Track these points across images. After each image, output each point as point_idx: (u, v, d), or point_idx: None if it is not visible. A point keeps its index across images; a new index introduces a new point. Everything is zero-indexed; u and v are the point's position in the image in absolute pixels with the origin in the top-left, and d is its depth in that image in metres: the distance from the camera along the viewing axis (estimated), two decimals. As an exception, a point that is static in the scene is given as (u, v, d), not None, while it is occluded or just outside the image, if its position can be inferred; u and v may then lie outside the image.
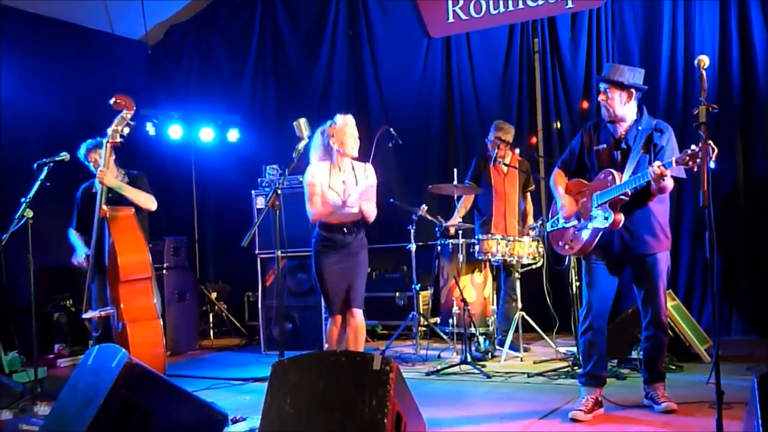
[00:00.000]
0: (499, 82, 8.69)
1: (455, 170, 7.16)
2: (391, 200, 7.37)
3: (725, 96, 7.33)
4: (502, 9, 8.56)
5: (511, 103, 8.57)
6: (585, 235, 4.66)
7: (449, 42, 9.02)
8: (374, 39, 9.47)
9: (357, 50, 9.59)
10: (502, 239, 6.65)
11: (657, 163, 4.32)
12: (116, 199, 5.79)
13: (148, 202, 5.96)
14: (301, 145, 4.83)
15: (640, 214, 4.59)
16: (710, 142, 3.87)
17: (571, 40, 8.26)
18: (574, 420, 4.52)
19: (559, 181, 4.94)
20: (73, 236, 6.11)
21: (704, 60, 3.82)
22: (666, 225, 4.69)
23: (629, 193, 4.47)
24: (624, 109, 4.63)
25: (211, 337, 9.09)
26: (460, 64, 8.95)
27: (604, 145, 4.73)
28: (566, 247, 4.84)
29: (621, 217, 4.53)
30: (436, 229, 7.30)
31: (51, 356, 7.67)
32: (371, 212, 5.41)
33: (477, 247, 6.71)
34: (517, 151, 7.17)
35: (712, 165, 4.00)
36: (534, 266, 6.91)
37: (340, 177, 5.39)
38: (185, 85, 10.61)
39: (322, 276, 5.37)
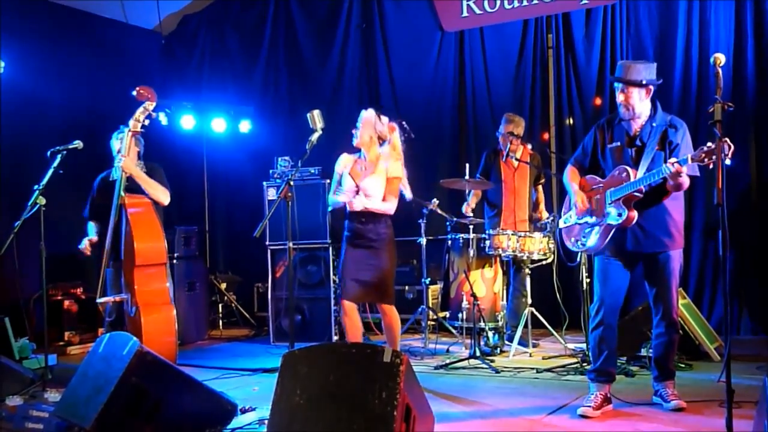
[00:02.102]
0: (512, 78, 8.67)
1: (467, 165, 7.14)
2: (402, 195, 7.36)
3: (739, 94, 7.30)
4: (516, 4, 8.53)
5: (524, 99, 8.54)
6: (598, 231, 4.66)
7: (463, 36, 9.00)
8: (387, 32, 9.45)
9: (370, 43, 9.58)
10: (512, 234, 6.64)
11: (672, 159, 4.31)
12: (134, 188, 5.84)
13: (162, 195, 5.99)
14: (314, 137, 4.85)
15: (654, 212, 4.58)
16: (726, 139, 3.86)
17: (586, 36, 8.23)
18: (582, 416, 4.52)
19: (572, 178, 4.94)
20: (90, 226, 6.20)
21: (720, 58, 3.80)
22: (680, 223, 4.67)
23: (643, 190, 4.46)
24: (641, 106, 4.63)
25: (220, 327, 9.12)
26: (473, 58, 8.93)
27: (618, 143, 4.72)
28: (579, 243, 4.84)
29: (635, 214, 4.52)
30: (447, 223, 7.30)
31: (61, 343, 7.72)
32: (368, 205, 5.51)
33: (488, 242, 6.70)
34: (529, 146, 7.16)
35: (728, 162, 3.99)
36: (544, 262, 6.90)
37: (359, 166, 5.64)
38: (198, 76, 10.62)
39: (341, 261, 5.55)
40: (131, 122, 5.74)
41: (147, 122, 5.81)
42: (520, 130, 7.03)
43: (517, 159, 6.97)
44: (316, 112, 4.89)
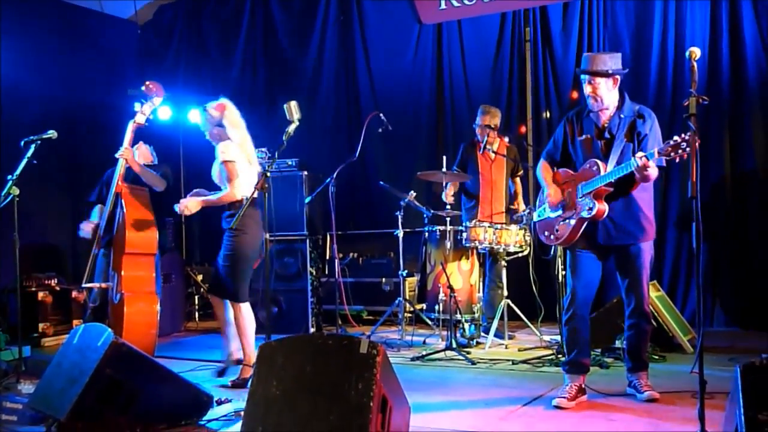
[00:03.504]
0: (489, 71, 8.69)
1: (444, 157, 7.15)
2: (381, 183, 7.38)
3: (714, 88, 7.37)
4: (494, -3, 8.56)
5: (501, 92, 8.57)
6: (570, 225, 4.68)
7: (441, 29, 9.01)
8: (365, 24, 9.44)
9: (348, 35, 9.56)
10: (489, 227, 6.67)
11: (640, 153, 4.33)
12: (134, 177, 6.10)
13: (158, 182, 6.35)
14: (291, 128, 4.82)
15: (623, 204, 4.61)
16: (691, 132, 3.91)
17: (563, 30, 8.27)
18: (557, 407, 4.55)
19: (545, 172, 4.97)
20: (96, 210, 6.39)
21: (695, 52, 3.82)
22: (650, 214, 4.70)
23: (613, 183, 4.49)
24: (610, 97, 4.64)
25: (197, 319, 9.09)
26: (451, 51, 8.94)
27: (587, 135, 4.73)
28: (552, 237, 4.86)
29: (605, 207, 4.55)
30: (424, 215, 7.31)
31: (36, 335, 7.65)
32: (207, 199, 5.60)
33: (464, 235, 6.72)
34: (506, 138, 7.18)
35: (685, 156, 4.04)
36: (521, 254, 6.94)
37: None
38: (174, 66, 10.54)
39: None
40: (138, 115, 5.95)
41: (152, 117, 6.07)
42: (497, 121, 7.06)
43: (493, 151, 6.99)
44: (293, 104, 4.86)
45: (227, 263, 5.39)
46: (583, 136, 4.75)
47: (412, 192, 7.23)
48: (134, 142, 6.21)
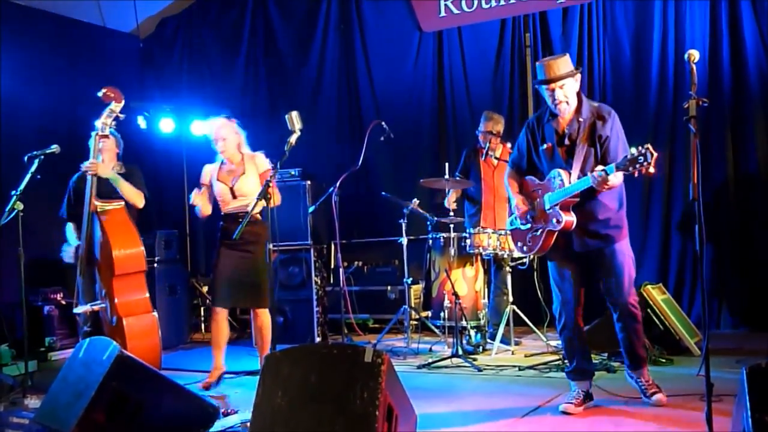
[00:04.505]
0: (490, 77, 8.69)
1: (447, 164, 7.15)
2: (383, 193, 7.38)
3: (716, 90, 7.36)
4: (493, 3, 8.56)
5: (503, 98, 8.57)
6: (541, 236, 4.62)
7: (441, 36, 9.02)
8: (366, 33, 9.46)
9: (348, 44, 9.58)
10: (493, 233, 6.66)
11: (599, 167, 4.29)
12: (107, 192, 5.76)
13: (136, 198, 5.91)
14: (293, 138, 4.83)
15: (591, 210, 4.52)
16: (649, 146, 3.95)
17: (563, 35, 8.27)
18: (565, 413, 4.54)
19: (511, 181, 4.89)
20: (69, 230, 6.12)
21: (694, 54, 3.81)
22: (619, 213, 4.60)
23: (578, 194, 4.42)
24: (573, 99, 4.54)
25: (202, 330, 9.08)
26: (452, 58, 8.95)
27: (549, 143, 4.64)
28: (524, 248, 4.81)
29: (572, 218, 4.48)
30: (428, 223, 7.31)
31: (41, 349, 7.65)
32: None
33: (468, 241, 6.72)
34: (509, 144, 7.18)
35: (651, 170, 4.01)
36: (525, 260, 6.92)
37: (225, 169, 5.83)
38: (177, 79, 10.57)
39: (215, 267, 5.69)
40: (98, 124, 5.63)
41: (114, 124, 5.72)
42: (500, 127, 7.05)
43: (496, 158, 6.99)
44: (294, 114, 4.87)
45: (261, 272, 5.56)
46: (545, 145, 4.65)
47: (415, 199, 7.24)
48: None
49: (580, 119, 4.53)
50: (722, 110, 7.37)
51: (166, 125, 9.45)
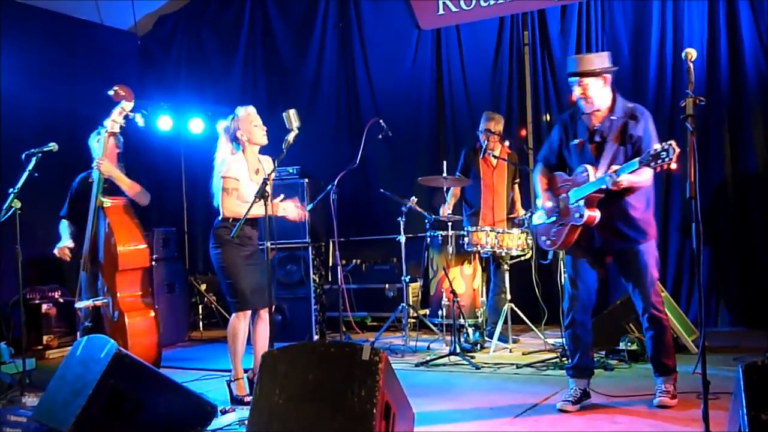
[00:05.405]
0: (488, 75, 8.70)
1: (445, 162, 7.15)
2: (382, 190, 7.38)
3: (713, 89, 7.37)
4: (492, 1, 8.57)
5: (501, 96, 8.58)
6: (564, 231, 4.64)
7: (439, 34, 9.03)
8: (364, 31, 9.46)
9: (347, 42, 9.58)
10: (491, 231, 6.67)
11: (614, 167, 4.32)
12: (112, 189, 5.77)
13: (141, 196, 5.93)
14: (290, 137, 4.82)
15: (617, 208, 4.53)
16: (672, 142, 3.94)
17: (561, 32, 8.27)
18: (562, 411, 4.54)
19: (540, 176, 4.91)
20: (63, 226, 6.12)
21: (691, 53, 3.81)
22: (648, 215, 4.61)
23: (603, 191, 4.42)
24: (601, 97, 4.57)
25: (201, 328, 9.08)
26: (450, 56, 8.95)
27: (580, 139, 4.67)
28: (548, 242, 4.83)
29: (596, 214, 4.49)
30: (426, 220, 7.31)
31: (39, 347, 7.66)
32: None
33: (466, 239, 6.72)
34: (507, 143, 7.19)
35: (674, 166, 4.02)
36: (523, 258, 6.93)
37: (253, 169, 5.34)
38: (175, 76, 10.57)
39: (238, 270, 5.17)
40: (108, 122, 5.65)
41: (124, 122, 5.73)
42: (500, 127, 7.06)
43: (495, 157, 7.00)
44: (292, 112, 4.87)
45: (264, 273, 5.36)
46: (576, 140, 4.69)
47: (413, 197, 7.24)
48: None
49: (612, 117, 4.56)
50: (720, 110, 7.38)
51: (164, 123, 9.44)
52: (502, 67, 8.62)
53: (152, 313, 5.72)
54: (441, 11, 8.89)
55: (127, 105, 5.67)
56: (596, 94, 4.55)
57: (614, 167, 4.34)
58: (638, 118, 4.54)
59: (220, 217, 5.23)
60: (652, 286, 4.61)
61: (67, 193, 6.19)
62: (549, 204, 4.75)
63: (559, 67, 8.28)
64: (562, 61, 8.25)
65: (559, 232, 4.69)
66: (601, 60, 4.59)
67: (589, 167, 4.50)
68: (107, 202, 5.66)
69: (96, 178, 5.68)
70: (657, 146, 4.07)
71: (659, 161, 4.05)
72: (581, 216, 4.49)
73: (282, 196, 5.32)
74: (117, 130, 5.72)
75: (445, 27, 8.97)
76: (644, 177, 4.38)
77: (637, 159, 4.21)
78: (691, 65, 3.77)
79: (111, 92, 5.66)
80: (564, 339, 4.95)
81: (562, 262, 6.00)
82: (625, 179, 4.30)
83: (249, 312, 5.26)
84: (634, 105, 4.65)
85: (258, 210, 4.74)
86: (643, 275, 4.57)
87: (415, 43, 9.14)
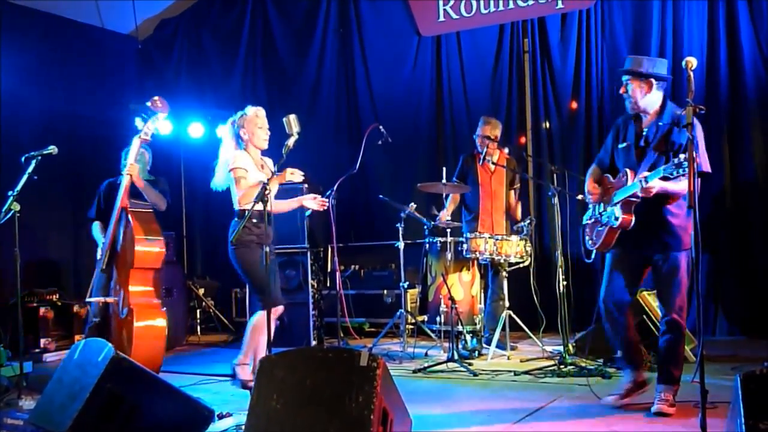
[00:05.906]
0: (488, 82, 8.71)
1: (444, 169, 7.15)
2: (381, 196, 7.38)
3: (713, 97, 7.39)
4: (492, 9, 8.59)
5: (501, 103, 8.59)
6: (604, 232, 4.71)
7: (440, 41, 9.04)
8: (365, 37, 9.48)
9: (347, 47, 9.60)
10: (490, 238, 6.67)
11: (644, 173, 4.34)
12: (136, 193, 6.06)
13: (160, 201, 6.30)
14: (291, 142, 4.83)
15: (654, 213, 4.54)
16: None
17: (561, 40, 8.29)
18: (612, 406, 4.69)
19: (590, 176, 4.99)
20: (96, 229, 6.37)
21: (692, 61, 3.82)
22: (685, 223, 4.55)
23: (639, 195, 4.44)
24: (645, 100, 4.60)
25: (198, 333, 9.08)
26: (450, 63, 8.97)
27: (627, 143, 4.72)
28: (590, 242, 4.91)
29: (630, 217, 4.54)
30: (425, 227, 7.31)
31: (37, 350, 7.65)
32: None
33: (465, 246, 6.72)
34: (506, 150, 7.19)
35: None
36: (522, 265, 6.93)
37: (258, 165, 5.40)
38: (175, 81, 10.57)
39: (257, 267, 5.17)
40: (143, 130, 5.90)
41: (156, 131, 6.05)
42: (497, 132, 7.07)
43: (493, 162, 7.00)
44: (292, 117, 4.88)
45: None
46: (623, 144, 4.74)
47: (412, 203, 7.23)
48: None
49: (660, 123, 4.58)
50: (719, 118, 7.40)
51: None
52: (502, 75, 8.63)
53: (162, 315, 5.80)
54: (441, 18, 8.91)
55: (162, 116, 5.99)
56: (638, 97, 4.60)
57: (644, 173, 4.35)
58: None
59: (236, 215, 5.28)
60: (680, 293, 4.60)
61: (95, 197, 6.50)
62: (597, 192, 4.84)
63: (559, 75, 8.30)
64: (562, 68, 8.28)
65: (600, 233, 4.75)
66: (651, 64, 4.62)
67: (629, 171, 4.55)
68: (132, 204, 5.88)
69: (122, 181, 5.87)
70: (681, 156, 4.06)
71: (680, 170, 4.05)
72: (616, 218, 4.56)
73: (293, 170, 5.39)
74: (149, 138, 5.96)
75: (445, 33, 9.00)
76: (680, 185, 4.36)
77: (662, 167, 4.23)
78: (692, 74, 3.79)
79: (149, 103, 5.93)
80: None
81: (561, 269, 6.00)
82: (657, 186, 4.31)
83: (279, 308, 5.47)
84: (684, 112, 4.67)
85: (279, 206, 5.09)
86: (675, 280, 4.57)
87: (415, 50, 9.15)
